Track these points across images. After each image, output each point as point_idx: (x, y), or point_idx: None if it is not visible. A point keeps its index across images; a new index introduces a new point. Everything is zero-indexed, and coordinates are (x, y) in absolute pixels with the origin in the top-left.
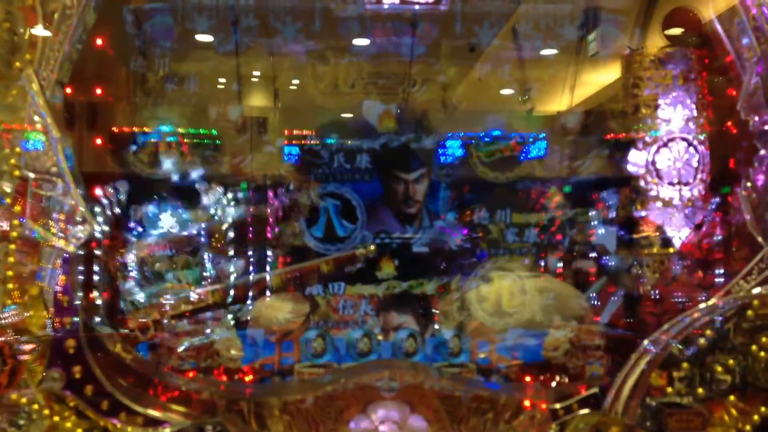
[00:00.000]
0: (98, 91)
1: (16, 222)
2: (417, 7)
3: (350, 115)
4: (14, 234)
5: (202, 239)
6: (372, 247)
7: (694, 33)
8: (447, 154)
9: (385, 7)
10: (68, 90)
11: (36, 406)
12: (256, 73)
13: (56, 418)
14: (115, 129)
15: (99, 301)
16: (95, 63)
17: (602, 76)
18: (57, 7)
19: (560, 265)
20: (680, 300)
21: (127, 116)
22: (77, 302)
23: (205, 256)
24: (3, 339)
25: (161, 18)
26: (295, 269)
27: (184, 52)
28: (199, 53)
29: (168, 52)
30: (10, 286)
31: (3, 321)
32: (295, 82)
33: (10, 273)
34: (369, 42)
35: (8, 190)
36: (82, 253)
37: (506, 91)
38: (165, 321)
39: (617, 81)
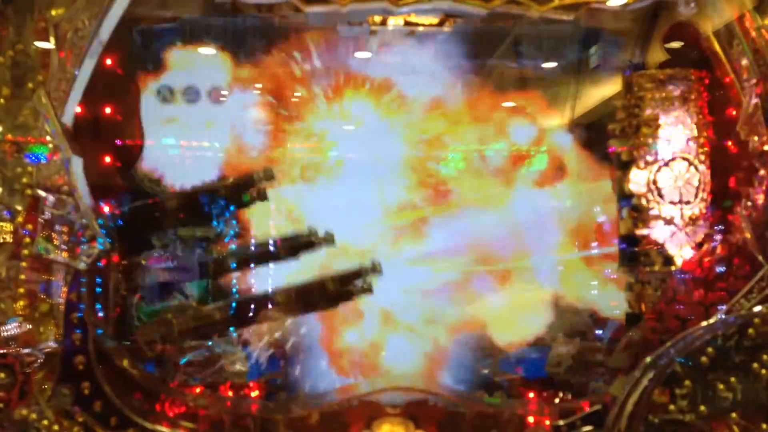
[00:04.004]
0: (107, 110)
1: (27, 240)
2: (421, 28)
3: None
4: (25, 252)
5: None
6: (378, 265)
7: (694, 48)
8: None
9: (390, 28)
10: (79, 109)
11: (45, 422)
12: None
13: None
14: (122, 145)
15: (102, 314)
16: (105, 81)
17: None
18: (69, 29)
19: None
20: (682, 318)
21: (135, 133)
22: (87, 318)
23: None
24: (13, 355)
25: (169, 38)
26: (300, 286)
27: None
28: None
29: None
30: (21, 303)
31: (7, 333)
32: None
33: (21, 290)
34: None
35: (20, 208)
36: (91, 269)
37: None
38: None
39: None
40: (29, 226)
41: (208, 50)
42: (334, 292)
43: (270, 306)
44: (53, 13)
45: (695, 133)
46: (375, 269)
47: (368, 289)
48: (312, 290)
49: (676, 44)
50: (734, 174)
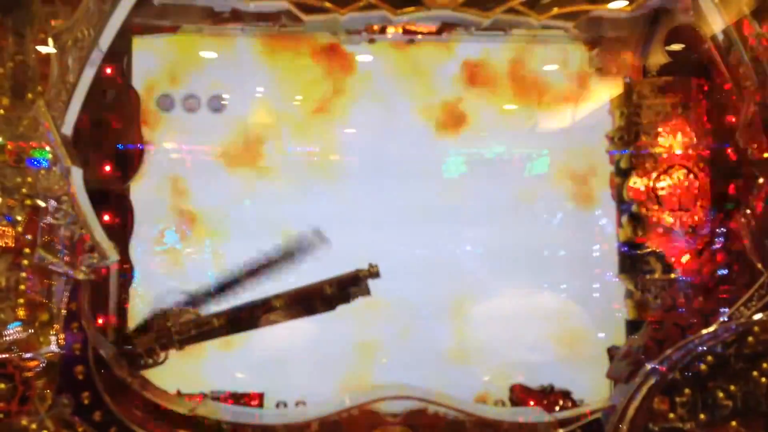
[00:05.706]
0: (107, 119)
1: (27, 250)
2: (420, 36)
3: None
4: (25, 262)
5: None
6: (376, 267)
7: (695, 52)
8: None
9: (389, 37)
10: (79, 119)
11: None
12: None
13: None
14: (122, 153)
15: (102, 322)
16: (105, 91)
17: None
18: (68, 39)
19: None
20: (681, 325)
21: (135, 141)
22: (87, 328)
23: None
24: (13, 363)
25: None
26: (299, 291)
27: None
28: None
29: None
30: (21, 312)
31: (8, 338)
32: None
33: (20, 300)
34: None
35: (20, 218)
36: (91, 278)
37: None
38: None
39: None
40: (29, 236)
41: (208, 54)
42: (333, 296)
43: (269, 311)
44: (53, 23)
45: (694, 140)
46: (372, 273)
47: (366, 292)
48: (310, 295)
49: (677, 47)
50: (733, 181)
